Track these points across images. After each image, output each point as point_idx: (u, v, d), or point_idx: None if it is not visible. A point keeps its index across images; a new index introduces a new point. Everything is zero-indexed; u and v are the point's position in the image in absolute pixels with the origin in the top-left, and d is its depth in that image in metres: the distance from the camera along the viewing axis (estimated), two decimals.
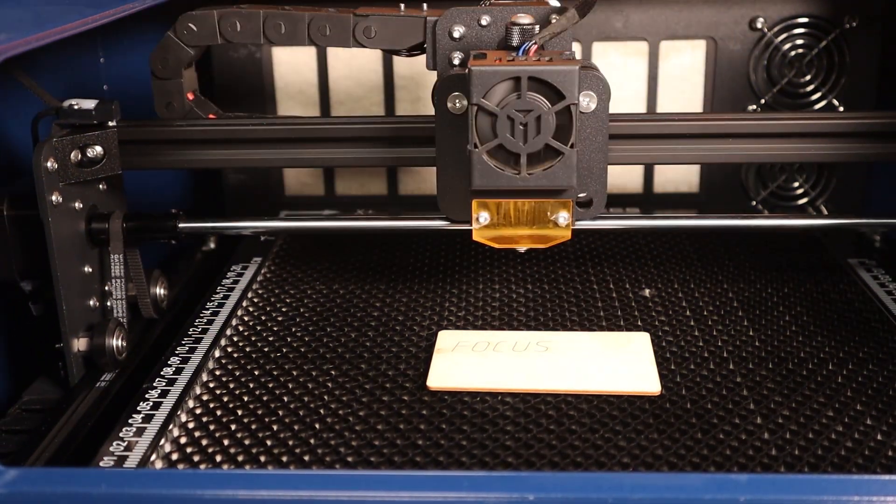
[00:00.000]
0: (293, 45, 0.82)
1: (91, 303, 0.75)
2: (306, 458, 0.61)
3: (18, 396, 0.72)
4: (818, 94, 1.00)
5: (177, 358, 0.73)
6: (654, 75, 1.00)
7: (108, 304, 0.77)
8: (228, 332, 0.78)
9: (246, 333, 0.78)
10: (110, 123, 0.74)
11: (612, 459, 0.60)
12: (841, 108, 1.00)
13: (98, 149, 0.73)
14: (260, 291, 0.85)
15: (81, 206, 0.74)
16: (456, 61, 0.75)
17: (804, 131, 0.77)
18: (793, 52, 0.99)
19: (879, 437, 0.62)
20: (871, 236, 0.93)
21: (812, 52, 0.99)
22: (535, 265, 0.90)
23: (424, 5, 0.77)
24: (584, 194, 0.73)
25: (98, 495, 0.49)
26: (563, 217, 0.71)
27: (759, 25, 0.99)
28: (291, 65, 1.02)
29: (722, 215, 0.83)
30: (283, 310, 0.82)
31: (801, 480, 0.50)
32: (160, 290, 0.81)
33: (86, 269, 0.74)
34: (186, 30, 0.78)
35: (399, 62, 1.00)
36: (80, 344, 0.72)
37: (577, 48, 0.99)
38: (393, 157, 0.79)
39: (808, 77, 1.00)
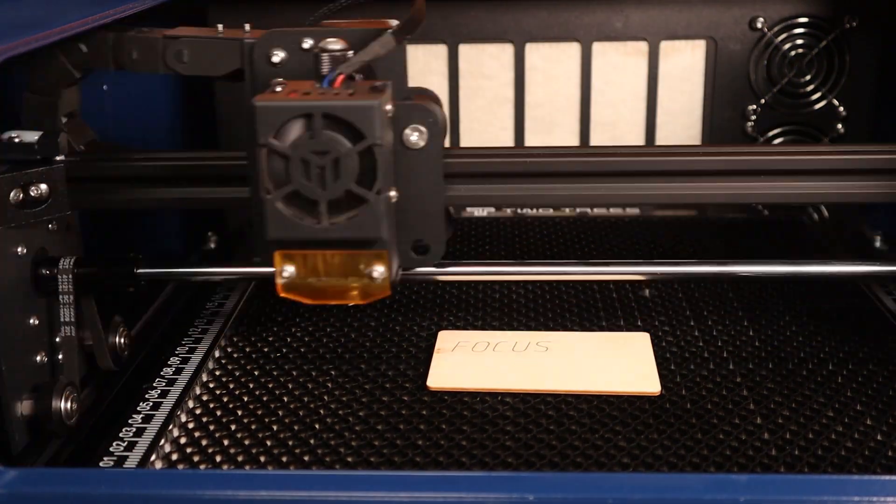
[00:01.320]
0: (99, 68, 0.70)
1: (37, 359, 0.66)
2: (306, 458, 0.61)
3: None
4: (818, 94, 1.00)
5: (177, 358, 0.73)
6: (654, 75, 1.00)
7: (59, 358, 0.68)
8: (228, 332, 0.77)
9: (246, 333, 0.78)
10: (57, 158, 0.66)
11: (612, 460, 0.60)
12: (841, 108, 1.00)
13: (43, 187, 0.65)
14: (260, 291, 0.85)
15: (25, 250, 0.65)
16: (278, 89, 0.63)
17: (811, 168, 0.68)
18: (793, 52, 0.99)
19: (879, 437, 0.62)
20: (871, 236, 0.93)
21: (812, 52, 0.99)
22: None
23: (247, 26, 0.68)
24: (420, 239, 0.65)
25: (98, 495, 0.49)
26: (378, 271, 0.61)
27: (759, 25, 0.99)
28: None
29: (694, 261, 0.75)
30: (284, 310, 0.82)
31: (801, 481, 0.50)
32: (120, 339, 0.72)
33: (31, 320, 0.65)
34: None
35: None
36: (23, 407, 0.63)
37: (576, 49, 0.99)
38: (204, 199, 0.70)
39: (808, 77, 1.00)
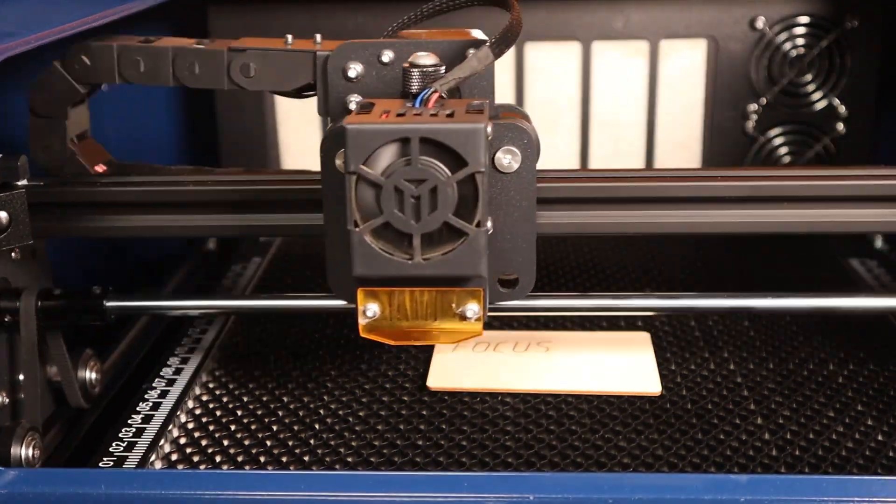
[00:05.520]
0: (157, 84, 0.65)
1: None
2: (306, 458, 0.61)
3: None
4: (818, 94, 1.00)
5: (176, 358, 0.73)
6: (654, 75, 1.00)
7: (21, 396, 0.63)
8: (228, 332, 0.77)
9: (246, 333, 0.77)
10: (18, 183, 0.61)
11: (612, 460, 0.60)
12: (841, 108, 1.00)
13: (2, 214, 0.60)
14: (260, 291, 0.85)
15: None
16: (352, 106, 0.59)
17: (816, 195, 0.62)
18: (793, 52, 0.99)
19: (880, 437, 0.62)
20: (871, 236, 0.93)
21: (812, 52, 0.99)
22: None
23: (318, 36, 0.63)
24: (509, 272, 0.59)
25: (98, 495, 0.49)
26: (473, 310, 0.55)
27: (759, 25, 0.98)
28: None
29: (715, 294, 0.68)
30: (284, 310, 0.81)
31: (801, 481, 0.50)
32: (91, 374, 0.67)
33: None
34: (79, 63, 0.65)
35: None
36: None
37: (577, 49, 0.99)
38: (272, 227, 0.65)
39: (808, 77, 1.00)
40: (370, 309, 0.56)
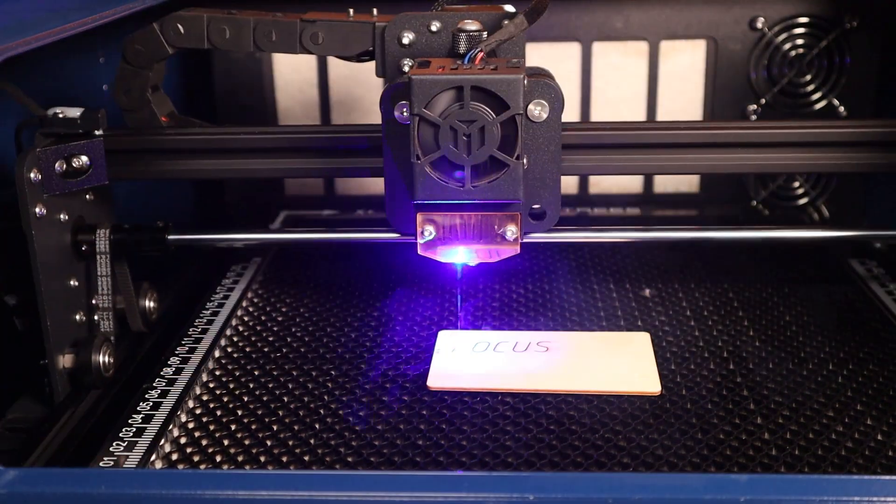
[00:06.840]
0: (238, 51, 0.79)
1: (77, 317, 0.72)
2: (306, 458, 0.61)
3: (1, 415, 0.68)
4: (818, 94, 1.00)
5: (177, 358, 0.73)
6: (654, 75, 1.00)
7: (96, 318, 0.74)
8: (228, 332, 0.78)
9: (246, 333, 0.78)
10: (97, 132, 0.71)
11: (612, 460, 0.60)
12: (841, 108, 1.00)
13: (84, 158, 0.70)
14: (260, 291, 0.85)
15: (67, 217, 0.71)
16: (405, 68, 0.72)
17: (806, 140, 0.73)
18: (793, 52, 0.99)
19: (880, 437, 0.62)
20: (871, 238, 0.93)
21: (812, 52, 0.99)
22: (536, 265, 0.90)
23: (374, 10, 0.75)
24: (538, 206, 0.70)
25: (98, 495, 0.49)
26: (511, 231, 0.69)
27: (759, 25, 0.99)
28: (291, 64, 1.02)
29: (702, 227, 0.80)
30: (283, 310, 0.82)
31: (801, 481, 0.50)
32: (149, 303, 0.79)
33: (71, 282, 0.71)
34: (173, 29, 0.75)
35: None
36: (65, 360, 0.69)
37: (576, 49, 0.99)
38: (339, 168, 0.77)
39: (808, 77, 1.00)
40: (427, 230, 0.69)
